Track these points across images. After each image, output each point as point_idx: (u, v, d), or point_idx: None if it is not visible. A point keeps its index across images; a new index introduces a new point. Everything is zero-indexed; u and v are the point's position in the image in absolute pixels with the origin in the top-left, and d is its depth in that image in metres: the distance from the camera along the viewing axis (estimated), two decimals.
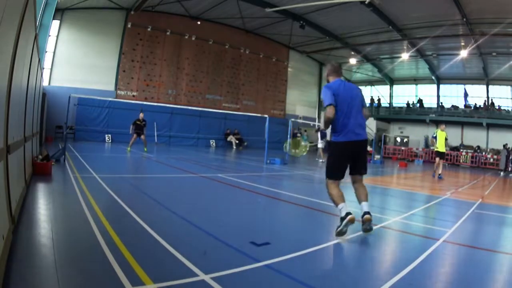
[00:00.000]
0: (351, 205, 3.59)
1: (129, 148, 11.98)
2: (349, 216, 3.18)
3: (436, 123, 24.84)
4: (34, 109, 5.57)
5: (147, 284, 1.92)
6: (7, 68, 2.06)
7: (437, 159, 10.71)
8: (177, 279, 2.01)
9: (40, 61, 6.24)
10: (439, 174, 10.40)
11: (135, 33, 18.28)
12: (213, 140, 20.93)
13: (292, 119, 14.71)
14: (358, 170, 3.56)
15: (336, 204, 3.38)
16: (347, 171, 3.57)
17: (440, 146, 10.76)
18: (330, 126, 3.47)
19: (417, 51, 21.88)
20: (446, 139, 10.95)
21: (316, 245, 2.90)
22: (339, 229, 3.21)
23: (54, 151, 7.49)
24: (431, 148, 22.74)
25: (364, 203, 3.47)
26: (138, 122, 12.15)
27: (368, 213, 3.36)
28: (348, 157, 3.47)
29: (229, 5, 18.20)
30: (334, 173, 3.45)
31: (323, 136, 14.09)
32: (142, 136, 12.08)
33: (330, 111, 3.31)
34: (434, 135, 11.03)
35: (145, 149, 12.27)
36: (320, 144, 14.16)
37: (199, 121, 20.13)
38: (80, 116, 16.42)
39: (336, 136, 3.45)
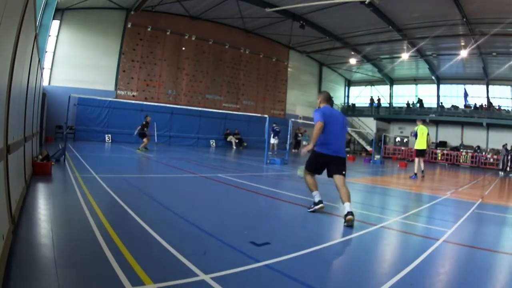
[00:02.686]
0: (355, 206, 3.68)
1: (146, 148, 12.45)
2: (320, 205, 4.25)
3: (437, 123, 24.87)
4: (34, 109, 5.57)
5: (147, 284, 1.92)
6: (7, 68, 2.06)
7: (416, 159, 10.09)
8: (177, 279, 2.01)
9: (40, 61, 6.24)
10: (415, 173, 9.81)
11: (135, 33, 18.28)
12: (213, 140, 20.93)
13: (292, 119, 14.71)
14: (336, 172, 4.17)
15: (311, 191, 4.36)
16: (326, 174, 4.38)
17: (421, 143, 10.10)
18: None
19: (417, 51, 21.88)
20: (428, 134, 10.20)
21: (316, 245, 2.90)
22: (311, 210, 4.29)
23: (54, 151, 7.49)
24: (431, 148, 22.84)
25: (346, 204, 3.85)
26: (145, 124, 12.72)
27: (350, 213, 3.71)
28: (324, 164, 4.29)
29: (229, 5, 18.20)
30: (310, 168, 4.43)
31: (276, 134, 16.78)
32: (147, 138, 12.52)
33: (319, 126, 4.06)
34: (415, 132, 10.22)
35: (140, 149, 12.49)
36: (272, 140, 16.57)
37: (199, 121, 20.13)
38: (80, 116, 16.42)
39: (319, 147, 4.23)
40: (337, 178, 4.15)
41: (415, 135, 10.24)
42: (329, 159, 4.19)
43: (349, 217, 3.67)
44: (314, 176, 4.42)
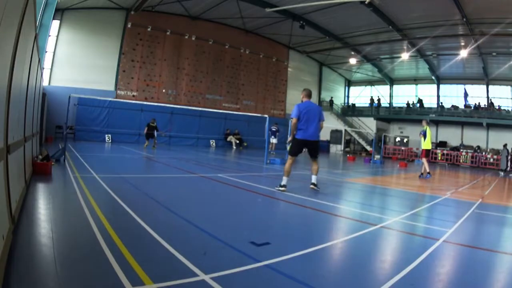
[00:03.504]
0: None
1: (153, 147, 13.84)
2: (284, 188, 5.49)
3: (437, 123, 24.88)
4: (34, 109, 5.57)
5: (147, 284, 1.92)
6: (7, 68, 2.06)
7: (425, 158, 10.19)
8: (177, 279, 2.00)
9: (40, 61, 6.24)
10: (428, 173, 9.95)
11: (135, 33, 18.29)
12: (213, 140, 20.94)
13: None
14: (312, 155, 5.82)
15: (284, 175, 5.56)
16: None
17: (429, 144, 10.29)
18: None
19: (417, 51, 21.89)
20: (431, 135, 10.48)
21: (316, 245, 2.90)
22: (276, 188, 5.58)
23: (54, 151, 7.49)
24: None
25: (313, 176, 5.78)
26: (152, 125, 14.02)
27: (314, 184, 5.76)
28: (303, 147, 5.73)
29: (229, 5, 18.21)
30: (293, 153, 5.73)
31: (273, 134, 17.35)
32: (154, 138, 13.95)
33: (294, 122, 5.56)
34: (424, 131, 10.31)
35: (153, 147, 14.10)
36: (272, 140, 16.87)
37: (199, 121, 20.14)
38: (80, 116, 16.43)
39: (298, 134, 5.58)
40: (313, 158, 5.80)
41: (424, 135, 10.31)
42: (308, 143, 5.62)
43: (312, 186, 5.73)
44: (294, 163, 5.78)
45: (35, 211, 3.38)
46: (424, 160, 10.24)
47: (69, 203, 3.85)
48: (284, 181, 5.53)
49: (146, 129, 14.07)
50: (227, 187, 5.93)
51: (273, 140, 17.06)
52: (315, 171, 5.75)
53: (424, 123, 10.64)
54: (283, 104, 25.63)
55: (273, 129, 17.46)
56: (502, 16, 15.04)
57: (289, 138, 5.60)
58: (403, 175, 12.03)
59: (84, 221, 3.07)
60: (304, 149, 5.85)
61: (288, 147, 6.09)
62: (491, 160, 20.76)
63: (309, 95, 5.84)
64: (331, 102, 29.03)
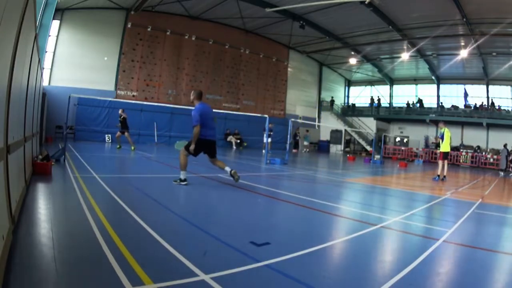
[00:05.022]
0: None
1: (133, 147, 12.49)
2: (186, 182, 5.46)
3: (436, 123, 24.87)
4: (34, 109, 5.57)
5: (147, 284, 1.92)
6: (7, 68, 2.06)
7: (441, 161, 10.09)
8: (177, 279, 2.00)
9: (40, 61, 6.24)
10: (444, 176, 9.92)
11: (135, 33, 18.28)
12: None
13: (292, 119, 14.72)
14: (212, 155, 5.87)
15: (181, 169, 5.50)
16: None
17: (447, 146, 10.19)
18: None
19: (417, 51, 21.89)
20: (450, 137, 10.34)
21: (316, 245, 2.90)
22: (177, 183, 5.46)
23: (54, 151, 7.49)
24: (431, 148, 22.84)
25: (226, 167, 5.81)
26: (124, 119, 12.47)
27: (232, 171, 5.76)
28: (202, 148, 5.70)
29: (229, 5, 18.21)
30: (193, 153, 5.61)
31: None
32: (126, 133, 12.43)
33: (197, 130, 5.49)
34: (442, 134, 10.20)
35: (119, 146, 12.75)
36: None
37: None
38: (80, 116, 16.42)
39: (200, 136, 5.54)
40: (213, 158, 5.89)
41: (442, 137, 10.21)
42: (208, 143, 5.71)
43: (234, 171, 5.73)
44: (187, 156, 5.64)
45: (35, 211, 3.38)
46: (440, 162, 10.17)
47: (69, 203, 3.85)
48: (183, 176, 5.51)
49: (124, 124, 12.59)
50: (227, 187, 5.93)
51: (269, 140, 17.06)
52: (222, 165, 5.87)
53: (441, 124, 10.53)
54: (283, 104, 25.63)
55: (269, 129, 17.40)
56: (502, 16, 15.04)
57: (192, 146, 5.57)
58: (403, 175, 12.04)
59: (84, 221, 3.07)
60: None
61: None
62: (491, 160, 20.75)
63: (200, 96, 5.89)
64: (332, 102, 29.04)
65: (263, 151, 14.92)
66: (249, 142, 21.79)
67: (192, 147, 5.51)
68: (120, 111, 12.68)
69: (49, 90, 15.03)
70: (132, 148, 12.10)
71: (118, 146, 12.63)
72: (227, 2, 17.87)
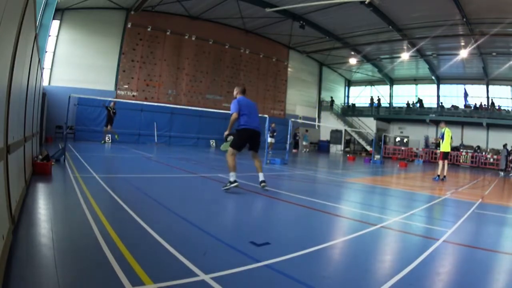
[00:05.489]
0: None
1: (117, 136, 12.84)
2: (236, 183, 5.09)
3: (436, 123, 24.88)
4: (34, 109, 5.57)
5: (147, 284, 1.92)
6: (7, 68, 2.06)
7: (441, 161, 10.08)
8: (177, 279, 2.00)
9: (40, 61, 6.24)
10: (444, 176, 9.90)
11: (135, 33, 18.29)
12: (213, 140, 20.93)
13: (292, 119, 14.72)
14: (255, 148, 5.51)
15: (230, 171, 5.17)
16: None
17: (447, 146, 10.19)
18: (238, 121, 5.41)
19: (417, 51, 21.89)
20: (451, 137, 10.33)
21: (316, 245, 2.90)
22: (226, 187, 5.12)
23: (54, 151, 7.49)
24: (431, 148, 22.84)
25: (260, 174, 5.47)
26: (109, 109, 12.73)
27: (263, 181, 5.40)
28: (246, 139, 5.39)
29: (229, 5, 18.21)
30: (237, 147, 5.34)
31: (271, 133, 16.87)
32: (109, 127, 12.64)
33: (233, 117, 5.28)
34: (442, 134, 10.20)
35: (103, 141, 13.04)
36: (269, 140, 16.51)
37: (199, 121, 20.13)
38: (80, 116, 16.42)
39: (242, 123, 5.32)
40: (255, 153, 5.58)
41: (442, 137, 10.20)
42: (252, 133, 5.38)
43: (263, 184, 5.37)
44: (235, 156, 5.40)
45: (35, 211, 3.38)
46: (440, 162, 10.15)
47: (69, 203, 3.85)
48: (232, 177, 5.16)
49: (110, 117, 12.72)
50: None
51: (271, 140, 16.94)
52: (259, 167, 5.55)
53: (442, 124, 10.53)
54: (283, 104, 25.63)
55: (271, 129, 17.33)
56: (502, 16, 15.04)
57: (226, 132, 5.39)
58: (403, 175, 12.04)
59: (84, 221, 3.07)
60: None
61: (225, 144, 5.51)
62: (491, 160, 20.75)
63: (243, 91, 5.73)
64: (331, 102, 29.05)
65: (269, 151, 14.89)
66: None
67: (226, 132, 5.36)
68: (113, 104, 12.72)
69: (49, 90, 15.03)
70: (116, 136, 12.60)
71: (102, 141, 12.70)
72: (227, 2, 17.87)
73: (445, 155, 10.22)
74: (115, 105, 12.93)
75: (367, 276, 2.40)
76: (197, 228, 3.21)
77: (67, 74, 16.18)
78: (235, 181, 5.09)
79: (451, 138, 10.38)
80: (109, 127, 12.39)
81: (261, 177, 5.40)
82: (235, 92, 5.70)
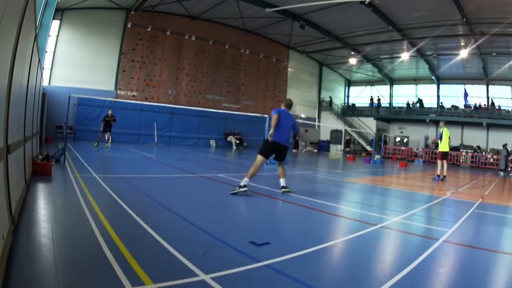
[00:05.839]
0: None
1: (96, 144, 12.74)
2: (246, 188, 5.14)
3: (436, 123, 24.87)
4: (34, 109, 5.57)
5: (147, 284, 1.92)
6: (7, 68, 2.06)
7: (440, 161, 10.07)
8: (177, 279, 2.01)
9: (40, 61, 6.24)
10: (444, 176, 9.86)
11: (135, 33, 18.28)
12: (213, 140, 20.93)
13: None
14: (280, 159, 5.75)
15: (248, 177, 5.24)
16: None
17: (446, 146, 10.13)
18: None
19: (417, 51, 21.88)
20: (449, 137, 10.30)
21: (316, 245, 2.90)
22: (235, 191, 5.07)
23: (54, 151, 7.49)
24: (431, 148, 22.83)
25: (281, 179, 5.61)
26: (108, 119, 12.74)
27: (284, 187, 5.51)
28: (273, 151, 5.65)
29: (229, 5, 18.21)
30: (265, 155, 5.53)
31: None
32: (108, 133, 12.82)
33: (275, 117, 5.48)
34: (440, 134, 10.16)
35: (107, 145, 13.04)
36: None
37: (199, 121, 20.13)
38: (80, 116, 16.42)
39: (273, 137, 5.47)
40: (280, 162, 5.78)
41: (441, 138, 10.15)
42: (279, 147, 5.59)
43: (284, 189, 5.48)
44: (262, 165, 5.58)
45: (35, 211, 3.38)
46: (439, 162, 10.12)
47: (69, 203, 3.85)
48: (245, 182, 5.18)
49: (103, 124, 12.76)
50: (227, 187, 5.93)
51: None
52: (283, 174, 5.67)
53: (441, 124, 10.49)
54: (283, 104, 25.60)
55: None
56: (502, 16, 15.03)
57: (271, 131, 5.44)
58: (403, 175, 12.04)
59: (84, 221, 3.07)
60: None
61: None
62: (491, 160, 20.75)
63: (289, 105, 6.03)
64: (330, 101, 29.06)
65: None
66: (250, 142, 21.79)
67: (271, 131, 5.43)
68: (111, 112, 12.90)
69: (49, 90, 15.03)
70: (98, 144, 12.63)
71: (96, 144, 12.88)
72: (227, 2, 17.87)
73: (443, 155, 10.21)
74: (113, 112, 13.25)
75: (367, 276, 2.40)
76: (197, 228, 3.21)
77: (67, 74, 16.18)
78: (245, 186, 5.11)
79: (449, 138, 10.35)
80: (102, 134, 12.76)
81: (282, 182, 5.54)
82: (283, 104, 6.00)
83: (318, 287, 2.12)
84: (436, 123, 24.84)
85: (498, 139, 21.10)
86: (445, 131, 10.20)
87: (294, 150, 21.66)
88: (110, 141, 13.12)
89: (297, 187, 6.17)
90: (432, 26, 17.98)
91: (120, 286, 1.87)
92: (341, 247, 3.04)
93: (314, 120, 26.62)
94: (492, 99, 23.87)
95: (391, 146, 26.10)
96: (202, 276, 2.08)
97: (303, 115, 23.56)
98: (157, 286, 1.91)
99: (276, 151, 5.63)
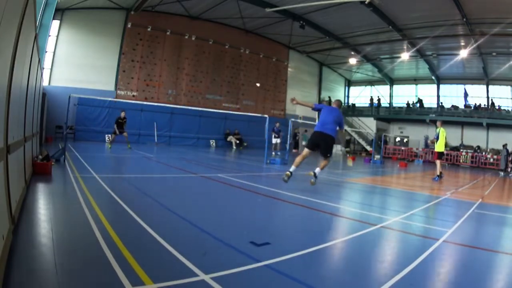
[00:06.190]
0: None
1: (110, 146, 12.69)
2: (287, 172, 5.78)
3: (436, 123, 24.85)
4: (34, 109, 5.57)
5: (147, 284, 1.92)
6: (7, 68, 2.06)
7: (438, 161, 10.06)
8: (177, 279, 2.01)
9: (40, 61, 6.24)
10: (440, 172, 9.82)
11: (135, 33, 18.28)
12: (213, 140, 20.93)
13: (292, 119, 14.72)
14: (322, 153, 5.97)
15: (294, 165, 5.91)
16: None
17: (442, 146, 10.13)
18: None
19: (417, 51, 21.87)
20: (445, 137, 10.30)
21: (316, 245, 2.90)
22: (286, 177, 5.73)
23: (54, 151, 7.49)
24: (431, 148, 22.83)
25: (317, 168, 6.00)
26: (120, 121, 12.72)
27: (315, 174, 5.96)
28: (314, 140, 5.93)
29: (229, 5, 18.20)
30: (307, 146, 5.99)
31: (277, 133, 16.15)
32: (125, 133, 12.76)
33: (311, 104, 6.20)
34: (437, 134, 10.19)
35: (128, 145, 13.11)
36: (274, 140, 15.97)
37: (199, 121, 20.13)
38: (80, 116, 16.41)
39: (315, 127, 5.92)
40: (322, 157, 6.03)
41: (437, 138, 10.14)
42: (320, 135, 5.80)
43: (310, 174, 6.04)
44: (307, 156, 5.99)
45: (35, 211, 3.38)
46: (438, 162, 10.09)
47: (69, 203, 3.85)
48: (291, 169, 5.85)
49: (116, 126, 12.64)
50: (227, 187, 5.93)
51: (277, 140, 16.20)
52: (322, 165, 6.05)
53: (438, 123, 10.49)
54: (283, 104, 25.61)
55: (276, 129, 16.63)
56: (502, 16, 15.02)
57: (298, 100, 6.14)
58: (403, 175, 12.04)
59: (84, 221, 3.07)
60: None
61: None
62: (491, 160, 20.75)
63: (339, 105, 6.45)
64: (330, 101, 29.04)
65: (273, 152, 14.61)
66: (249, 142, 21.79)
67: (298, 100, 6.13)
68: (123, 113, 12.93)
69: (49, 90, 15.03)
70: (110, 146, 12.63)
71: (109, 146, 12.90)
72: (227, 2, 17.86)
73: (440, 155, 10.23)
74: (125, 113, 13.14)
75: (367, 276, 2.40)
76: (197, 228, 3.21)
77: (67, 74, 16.17)
78: (291, 173, 5.76)
79: (446, 138, 10.35)
80: (124, 133, 12.78)
81: (317, 170, 5.97)
82: (334, 104, 6.45)
83: (318, 287, 2.12)
84: (436, 123, 24.83)
85: (498, 139, 21.08)
86: (442, 131, 10.20)
87: (294, 150, 21.66)
88: (128, 141, 13.25)
89: (297, 187, 6.17)
90: (432, 26, 17.97)
91: (120, 286, 1.87)
92: (341, 247, 3.04)
93: (314, 120, 26.60)
94: (492, 99, 23.86)
95: (391, 146, 26.10)
96: (202, 276, 2.08)
97: (302, 115, 23.57)
98: (157, 286, 1.91)
99: (316, 138, 5.90)
